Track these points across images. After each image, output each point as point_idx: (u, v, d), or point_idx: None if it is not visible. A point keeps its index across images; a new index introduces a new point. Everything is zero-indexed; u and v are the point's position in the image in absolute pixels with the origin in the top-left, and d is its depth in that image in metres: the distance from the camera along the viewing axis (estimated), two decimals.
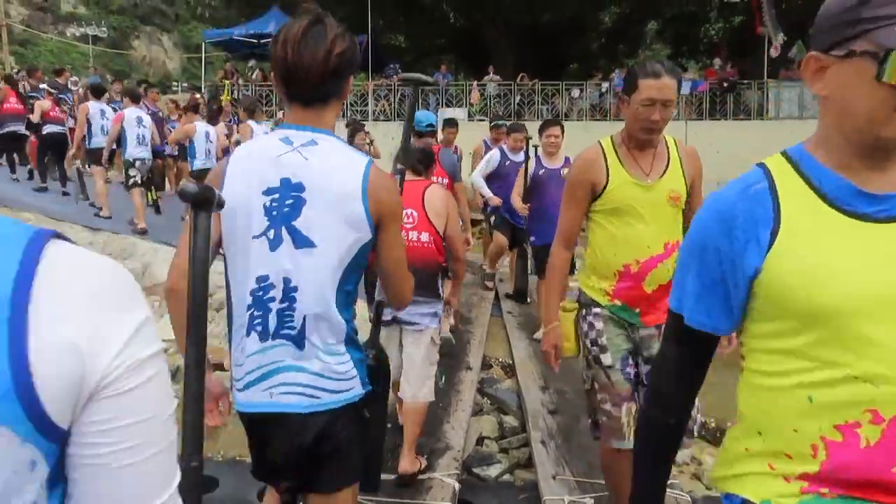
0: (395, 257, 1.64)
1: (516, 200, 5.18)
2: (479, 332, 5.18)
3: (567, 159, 5.03)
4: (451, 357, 4.21)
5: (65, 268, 0.58)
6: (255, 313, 1.53)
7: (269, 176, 1.53)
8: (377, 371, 1.78)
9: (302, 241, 1.51)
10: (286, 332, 1.53)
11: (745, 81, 16.25)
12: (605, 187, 2.26)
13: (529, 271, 5.75)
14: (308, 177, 1.52)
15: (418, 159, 3.24)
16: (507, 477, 3.40)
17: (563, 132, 5.15)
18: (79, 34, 34.13)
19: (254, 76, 17.12)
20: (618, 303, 2.30)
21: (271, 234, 1.52)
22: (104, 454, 0.59)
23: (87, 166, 9.12)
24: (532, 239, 5.17)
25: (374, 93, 16.43)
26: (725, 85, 16.06)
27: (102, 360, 0.57)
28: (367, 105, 16.29)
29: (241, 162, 1.58)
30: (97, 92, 8.88)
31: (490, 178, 5.94)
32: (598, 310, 2.33)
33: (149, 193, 8.17)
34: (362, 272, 1.63)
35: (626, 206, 2.24)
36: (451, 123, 7.14)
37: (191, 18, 31.11)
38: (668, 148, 2.33)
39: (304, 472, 1.60)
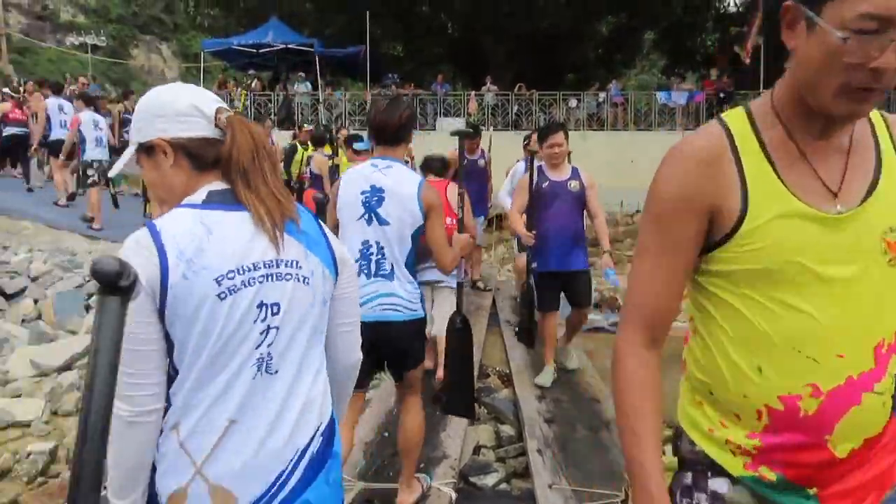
0: (437, 236, 2.64)
1: (516, 221, 4.38)
2: (476, 341, 5.17)
3: (574, 170, 4.36)
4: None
5: (327, 228, 1.42)
6: (362, 262, 2.57)
7: (364, 185, 2.61)
8: (465, 328, 3.06)
9: (382, 221, 2.57)
10: (382, 272, 2.57)
11: (742, 92, 16.35)
12: (738, 222, 1.05)
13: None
14: (386, 185, 2.58)
15: (439, 167, 4.69)
16: (503, 486, 3.39)
17: (567, 138, 4.36)
18: (78, 43, 34.20)
19: (253, 84, 17.20)
20: (770, 476, 1.09)
21: (367, 217, 2.59)
22: (348, 291, 1.44)
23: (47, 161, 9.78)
24: (534, 266, 4.41)
25: (372, 102, 16.49)
26: (722, 95, 16.17)
27: (344, 250, 1.44)
28: (365, 114, 16.35)
29: (349, 178, 2.70)
30: (56, 89, 9.57)
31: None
32: (719, 484, 1.13)
33: (109, 187, 8.58)
34: (417, 244, 2.61)
35: (788, 264, 1.04)
36: (477, 133, 6.89)
37: (190, 28, 31.21)
38: (874, 132, 1.11)
39: (393, 359, 2.71)
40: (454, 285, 3.95)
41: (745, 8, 20.23)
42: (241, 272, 1.22)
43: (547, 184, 4.32)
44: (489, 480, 3.38)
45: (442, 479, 3.11)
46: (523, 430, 3.72)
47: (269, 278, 1.25)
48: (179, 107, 1.28)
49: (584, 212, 4.39)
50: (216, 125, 1.29)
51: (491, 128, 14.16)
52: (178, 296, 1.18)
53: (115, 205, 8.59)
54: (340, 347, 1.47)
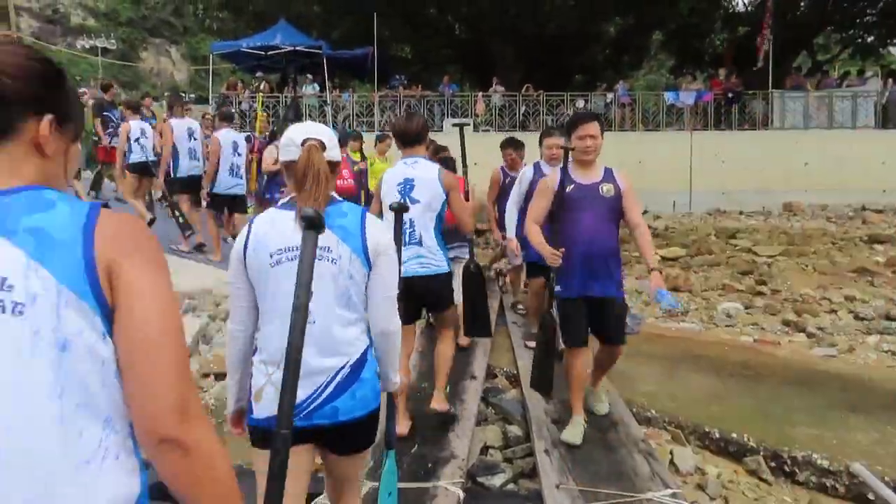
0: (459, 205, 3.52)
1: (536, 236, 3.58)
2: (483, 342, 5.19)
3: (608, 171, 3.61)
4: (455, 366, 4.23)
5: (371, 217, 2.02)
6: (404, 237, 3.27)
7: (399, 178, 3.51)
8: (477, 270, 4.11)
9: (414, 201, 3.41)
10: (413, 241, 3.45)
11: (750, 92, 16.28)
12: None
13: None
14: (415, 175, 3.49)
15: (453, 166, 5.10)
16: (511, 486, 3.40)
17: (602, 131, 3.58)
18: (88, 46, 34.47)
19: (261, 87, 17.27)
20: None
21: (403, 201, 3.25)
22: (381, 273, 1.98)
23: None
24: (557, 289, 3.59)
25: (379, 104, 16.53)
26: (730, 95, 16.10)
27: (383, 243, 1.98)
28: (372, 116, 16.39)
29: (389, 174, 3.59)
30: None
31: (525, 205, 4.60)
32: None
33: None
34: (443, 217, 3.53)
35: None
36: (511, 143, 5.84)
37: (199, 31, 31.35)
38: None
39: (429, 302, 3.68)
40: (466, 256, 4.89)
41: (755, 8, 20.13)
42: (287, 251, 1.91)
43: (573, 187, 3.51)
44: (497, 480, 3.38)
45: (450, 479, 3.12)
46: (531, 431, 3.72)
47: None
48: (285, 140, 2.02)
49: (620, 222, 3.63)
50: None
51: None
52: (251, 262, 1.94)
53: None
54: (376, 314, 2.01)
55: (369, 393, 1.96)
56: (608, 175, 3.59)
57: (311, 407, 1.89)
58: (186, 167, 7.75)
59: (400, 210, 2.71)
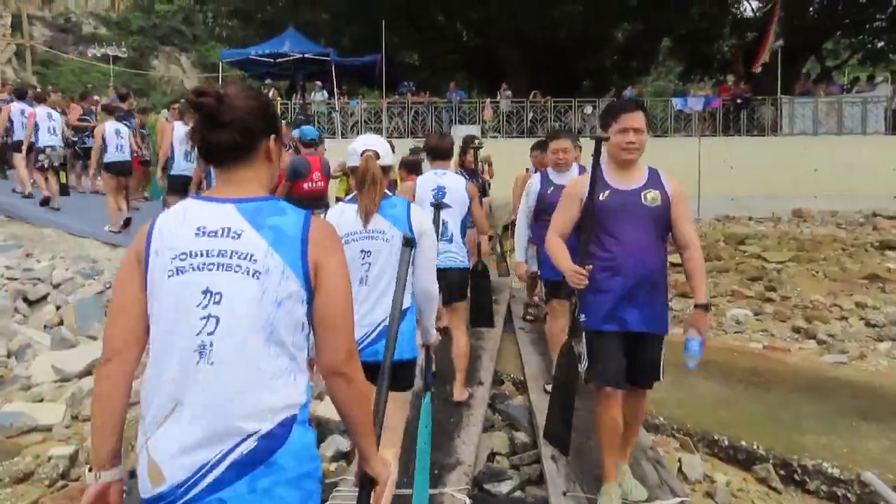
0: (477, 210, 4.20)
1: (560, 252, 2.85)
2: (490, 348, 5.18)
3: (653, 174, 2.87)
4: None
5: (414, 206, 2.68)
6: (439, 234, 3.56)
7: (433, 185, 4.06)
8: (483, 270, 4.84)
9: (446, 206, 3.84)
10: (445, 238, 3.90)
11: (759, 97, 16.22)
12: None
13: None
14: (446, 184, 4.06)
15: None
16: (518, 493, 3.39)
17: (647, 121, 2.82)
18: (99, 54, 34.80)
19: (270, 94, 17.37)
20: None
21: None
22: (424, 247, 2.56)
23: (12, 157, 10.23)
24: (582, 318, 2.85)
25: (388, 110, 16.58)
26: (739, 101, 16.05)
27: (425, 225, 2.61)
28: (381, 122, 16.45)
29: (422, 181, 4.14)
30: (20, 94, 10.34)
31: (534, 218, 4.36)
32: None
33: (60, 175, 9.30)
34: (468, 220, 4.17)
35: None
36: (539, 146, 5.72)
37: (209, 39, 31.62)
38: None
39: (448, 292, 3.86)
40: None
41: (763, 14, 20.07)
42: (353, 234, 2.54)
43: (608, 194, 2.78)
44: (503, 487, 3.37)
45: (456, 486, 3.12)
46: (538, 438, 3.70)
47: (367, 238, 2.54)
48: (350, 150, 2.61)
49: (667, 237, 2.87)
50: None
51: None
52: None
53: (65, 193, 9.32)
54: (420, 278, 2.55)
55: (405, 344, 2.51)
56: (653, 178, 2.83)
57: (361, 346, 2.37)
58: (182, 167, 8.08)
59: (438, 206, 3.57)
